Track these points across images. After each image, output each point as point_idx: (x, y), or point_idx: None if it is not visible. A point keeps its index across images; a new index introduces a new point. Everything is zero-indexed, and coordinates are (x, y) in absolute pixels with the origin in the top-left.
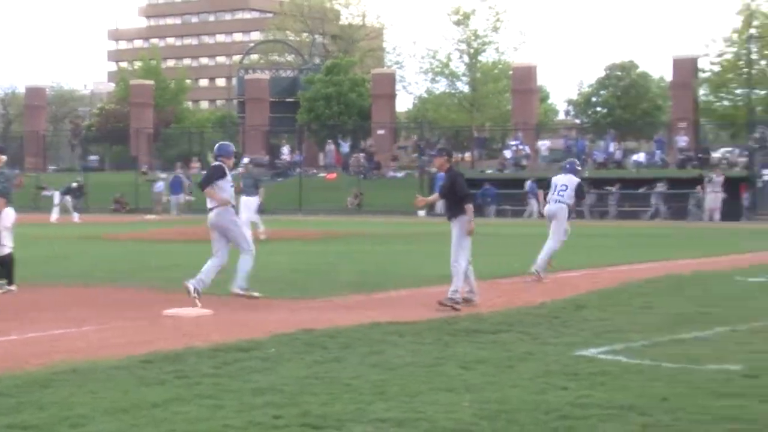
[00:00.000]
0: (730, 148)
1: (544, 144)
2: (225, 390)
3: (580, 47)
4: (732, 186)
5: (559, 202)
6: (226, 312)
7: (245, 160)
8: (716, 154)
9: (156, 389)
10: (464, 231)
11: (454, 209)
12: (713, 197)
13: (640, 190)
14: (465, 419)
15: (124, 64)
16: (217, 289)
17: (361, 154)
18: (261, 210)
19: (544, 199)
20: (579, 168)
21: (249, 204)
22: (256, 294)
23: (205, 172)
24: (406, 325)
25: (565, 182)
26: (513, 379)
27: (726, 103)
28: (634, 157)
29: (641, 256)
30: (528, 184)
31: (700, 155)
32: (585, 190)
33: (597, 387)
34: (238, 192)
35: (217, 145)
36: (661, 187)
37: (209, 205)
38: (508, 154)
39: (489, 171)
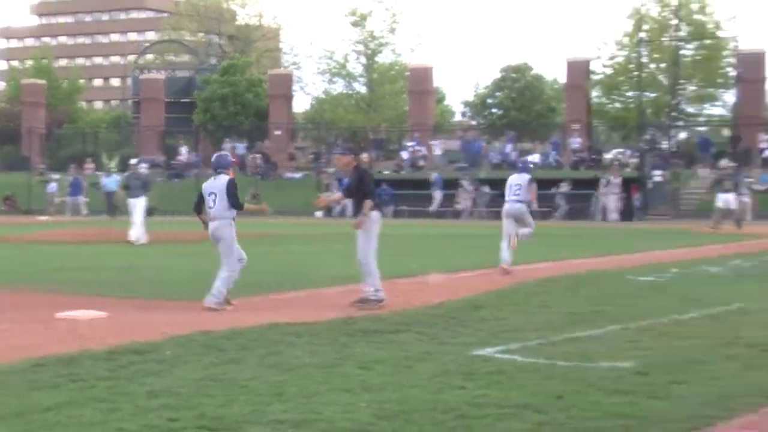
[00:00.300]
0: (621, 150)
1: (437, 144)
2: (120, 393)
3: (475, 49)
4: (624, 186)
5: (518, 201)
6: (122, 314)
7: (133, 161)
8: (608, 155)
9: (49, 393)
10: (369, 229)
11: (359, 206)
12: (612, 198)
13: (552, 190)
14: (363, 419)
15: (15, 63)
16: (112, 290)
17: (257, 155)
18: (151, 211)
19: (502, 198)
20: (531, 166)
21: (135, 205)
22: (229, 307)
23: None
24: (304, 325)
25: (519, 181)
26: (411, 379)
27: (618, 105)
28: (529, 158)
29: (538, 255)
30: (434, 176)
31: (593, 156)
32: (536, 183)
33: (493, 386)
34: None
35: (215, 156)
36: (564, 188)
37: (215, 216)
38: (405, 155)
39: (386, 172)
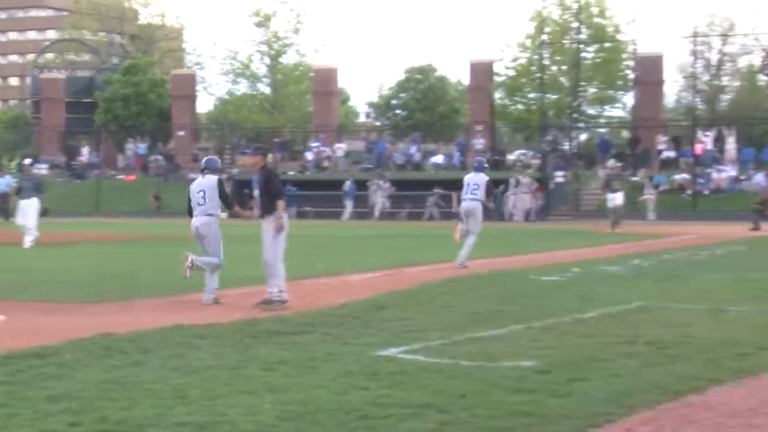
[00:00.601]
0: (524, 151)
1: (339, 147)
2: (19, 398)
3: (380, 50)
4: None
5: (474, 200)
6: (21, 317)
7: (26, 161)
8: (512, 156)
9: None
10: (270, 228)
11: (268, 207)
12: (522, 198)
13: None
14: (267, 421)
15: None
16: (10, 293)
17: (159, 156)
18: (44, 212)
19: (458, 199)
20: (486, 165)
21: (27, 207)
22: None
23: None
24: (208, 327)
25: (476, 181)
26: (315, 380)
27: (520, 106)
28: (433, 159)
29: (443, 255)
30: (347, 184)
31: (496, 157)
32: (493, 186)
33: (396, 386)
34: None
35: (206, 159)
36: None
37: (204, 212)
38: (309, 155)
39: (291, 173)
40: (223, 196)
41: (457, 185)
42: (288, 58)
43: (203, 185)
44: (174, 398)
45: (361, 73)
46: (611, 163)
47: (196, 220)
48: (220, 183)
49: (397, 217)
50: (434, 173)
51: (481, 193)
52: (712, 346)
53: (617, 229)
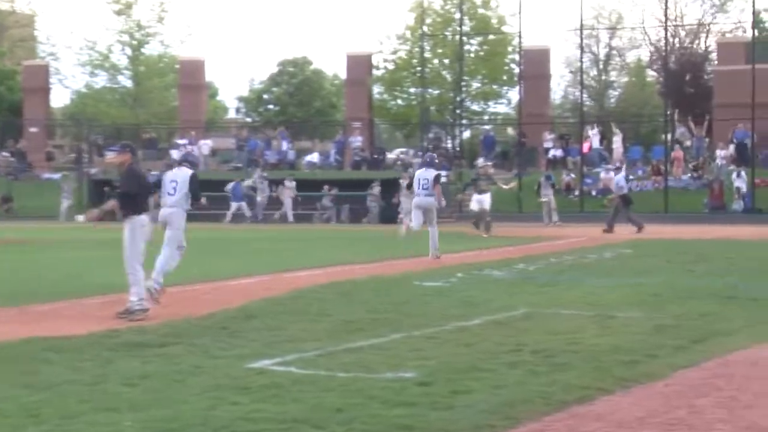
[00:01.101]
0: (404, 149)
1: (205, 144)
2: None
3: (251, 41)
4: (409, 187)
5: (428, 195)
6: None
7: None
8: (392, 155)
9: None
10: (135, 233)
11: (126, 208)
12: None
13: (384, 193)
14: None
15: None
16: None
17: (8, 154)
18: None
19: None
20: (437, 161)
21: None
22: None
23: None
24: (64, 340)
25: (426, 176)
26: (181, 395)
27: (400, 102)
28: (308, 157)
29: (320, 260)
30: (231, 185)
31: (375, 156)
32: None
33: (269, 400)
34: None
35: (184, 153)
36: (376, 189)
37: (172, 203)
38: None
39: (154, 173)
40: (193, 189)
41: (353, 186)
42: (151, 49)
43: (176, 177)
44: (25, 417)
45: (231, 65)
46: (481, 161)
47: (164, 210)
48: (194, 177)
49: (312, 220)
50: (313, 174)
51: (431, 188)
52: (600, 353)
53: (489, 232)
